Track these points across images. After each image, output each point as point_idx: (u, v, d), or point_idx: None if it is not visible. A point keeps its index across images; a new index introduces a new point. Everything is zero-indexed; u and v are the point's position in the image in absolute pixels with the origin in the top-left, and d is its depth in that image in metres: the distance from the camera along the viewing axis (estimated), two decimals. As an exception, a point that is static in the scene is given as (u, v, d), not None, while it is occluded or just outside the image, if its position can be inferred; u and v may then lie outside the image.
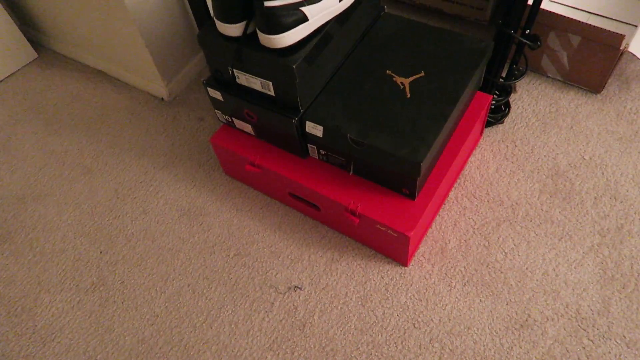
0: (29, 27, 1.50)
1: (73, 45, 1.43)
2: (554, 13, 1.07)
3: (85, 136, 1.29)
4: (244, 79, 0.90)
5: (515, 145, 1.11)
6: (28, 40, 1.46)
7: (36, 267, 1.07)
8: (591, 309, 0.89)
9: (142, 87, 1.36)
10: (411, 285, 0.95)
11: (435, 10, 1.34)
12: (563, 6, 1.33)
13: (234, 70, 0.89)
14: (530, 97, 1.19)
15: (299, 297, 0.96)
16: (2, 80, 1.45)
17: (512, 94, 1.14)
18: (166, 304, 0.98)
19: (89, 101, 1.37)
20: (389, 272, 0.97)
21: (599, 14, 1.30)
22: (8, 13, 1.39)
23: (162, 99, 1.33)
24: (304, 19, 0.79)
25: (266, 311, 0.95)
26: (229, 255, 1.03)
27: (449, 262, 0.96)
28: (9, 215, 1.16)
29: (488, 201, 1.04)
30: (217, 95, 0.96)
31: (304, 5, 0.78)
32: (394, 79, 0.91)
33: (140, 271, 1.03)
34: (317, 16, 0.81)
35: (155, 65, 1.23)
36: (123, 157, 1.23)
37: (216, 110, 1.02)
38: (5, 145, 1.30)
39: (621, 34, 1.01)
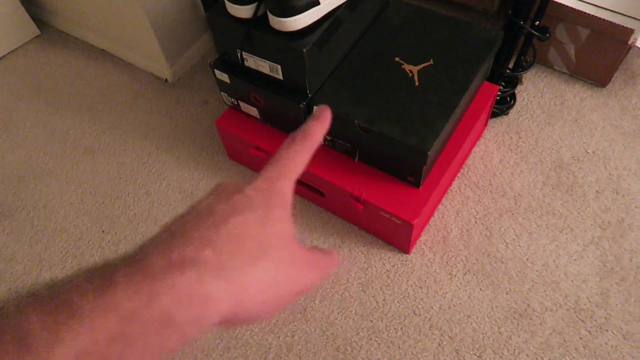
0: (32, 3, 1.48)
1: (76, 23, 1.41)
2: (564, 5, 1.07)
3: (87, 116, 1.28)
4: (252, 61, 0.89)
5: (520, 137, 1.11)
6: (30, 17, 1.44)
7: (37, 245, 1.07)
8: (590, 301, 0.90)
9: (145, 68, 1.35)
10: (412, 272, 0.95)
11: (441, 0, 1.33)
12: (571, -1, 1.32)
13: (243, 52, 0.88)
14: (536, 89, 1.19)
15: (301, 282, 0.96)
16: (3, 57, 1.44)
17: (518, 86, 1.14)
18: (168, 285, 0.98)
19: (91, 80, 1.36)
20: (390, 259, 0.97)
21: (607, 7, 1.30)
22: (10, -12, 1.37)
23: (166, 80, 1.32)
24: (316, 2, 0.79)
25: (268, 295, 0.95)
26: (231, 239, 1.03)
27: (451, 250, 0.97)
28: (10, 193, 1.16)
29: (491, 191, 1.04)
30: (224, 77, 0.96)
31: (316, -11, 0.78)
32: (402, 66, 0.91)
33: (143, 252, 1.03)
34: (328, 0, 0.81)
35: (159, 45, 1.22)
36: (126, 138, 1.22)
37: (222, 93, 1.01)
38: (6, 123, 1.29)
39: (631, 28, 1.01)
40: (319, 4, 0.79)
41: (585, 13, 1.06)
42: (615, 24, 1.03)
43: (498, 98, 1.12)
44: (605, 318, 0.88)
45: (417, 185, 0.89)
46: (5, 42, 1.42)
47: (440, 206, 1.03)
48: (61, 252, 1.05)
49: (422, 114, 0.84)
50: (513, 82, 1.11)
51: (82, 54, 1.43)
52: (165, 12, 1.19)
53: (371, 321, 0.91)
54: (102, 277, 0.20)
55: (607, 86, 1.17)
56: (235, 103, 1.02)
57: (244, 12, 0.82)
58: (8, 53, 1.44)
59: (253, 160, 1.07)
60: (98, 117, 1.28)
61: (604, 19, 1.04)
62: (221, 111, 1.08)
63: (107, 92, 1.33)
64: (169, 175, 1.15)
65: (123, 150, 1.20)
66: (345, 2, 0.85)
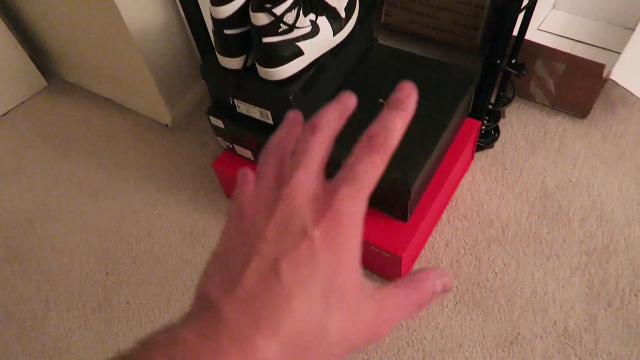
0: (39, 56, 1.57)
1: (81, 73, 1.49)
2: (539, 44, 1.12)
3: (92, 160, 1.34)
4: (244, 108, 0.95)
5: (505, 168, 1.16)
6: (38, 69, 1.53)
7: (44, 286, 1.11)
8: (578, 326, 0.92)
9: (147, 114, 1.42)
10: (405, 303, 0.98)
11: (428, 39, 1.40)
12: (550, 34, 1.39)
13: (235, 100, 0.94)
14: (520, 122, 1.24)
15: (297, 316, 0.99)
16: (14, 108, 1.51)
17: (501, 119, 1.19)
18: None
19: (96, 127, 1.43)
20: (383, 291, 1.00)
21: (585, 41, 1.36)
22: (19, 43, 1.46)
23: (167, 125, 1.38)
24: (300, 52, 0.85)
25: (265, 329, 0.98)
26: (229, 276, 1.07)
27: (441, 281, 1.00)
28: (19, 236, 1.21)
29: (479, 222, 1.08)
30: (218, 123, 1.01)
31: (300, 41, 0.84)
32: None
33: (145, 291, 1.07)
34: (312, 50, 0.87)
35: (159, 92, 1.29)
36: (129, 180, 1.28)
37: (218, 137, 1.07)
38: (16, 170, 1.35)
39: (602, 64, 1.06)
40: (303, 53, 0.86)
41: (559, 50, 1.11)
42: (587, 59, 1.08)
43: (483, 132, 1.17)
44: (594, 343, 0.90)
45: (405, 219, 0.93)
46: (16, 95, 1.50)
47: (430, 238, 1.07)
48: (67, 293, 1.10)
49: (405, 151, 0.89)
50: (496, 116, 1.16)
51: (88, 102, 1.50)
52: (163, 60, 1.26)
53: (366, 354, 0.93)
54: None
55: (588, 116, 1.22)
56: (231, 146, 1.07)
57: (234, 63, 0.88)
58: (18, 105, 1.52)
59: (249, 199, 1.12)
60: (102, 161, 1.34)
61: (577, 56, 1.10)
62: (218, 153, 1.13)
63: (111, 138, 1.39)
64: (169, 215, 1.19)
65: (126, 192, 1.26)
66: (329, 50, 0.91)
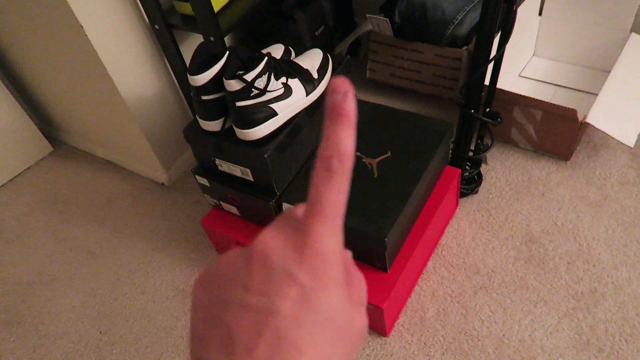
0: (45, 123, 1.66)
1: (84, 138, 1.57)
2: (513, 92, 1.16)
3: (92, 223, 1.39)
4: (225, 167, 0.99)
5: (490, 214, 1.16)
6: (44, 135, 1.61)
7: (40, 349, 1.13)
8: (568, 375, 0.90)
9: (144, 174, 1.47)
10: (391, 355, 0.98)
11: (412, 92, 1.45)
12: (532, 80, 1.43)
13: (216, 160, 0.98)
14: (504, 167, 1.25)
15: (284, 372, 0.99)
16: (21, 173, 1.59)
17: (484, 165, 1.21)
18: (159, 383, 1.02)
19: (97, 189, 1.49)
20: (370, 343, 1.00)
21: (566, 85, 1.40)
22: (26, 112, 1.55)
23: (163, 184, 1.43)
24: (274, 114, 0.90)
25: (253, 386, 0.98)
26: (219, 332, 1.08)
27: (428, 331, 1.00)
28: (19, 300, 1.24)
29: (465, 270, 1.08)
30: (204, 181, 1.05)
31: (273, 102, 0.89)
32: (363, 160, 1.00)
33: (136, 350, 1.08)
34: (285, 110, 0.91)
35: (155, 154, 1.35)
36: (125, 240, 1.32)
37: (205, 195, 1.11)
38: (20, 235, 1.41)
39: (574, 109, 1.09)
40: (277, 114, 0.90)
41: (533, 98, 1.14)
42: (560, 106, 1.11)
43: (466, 179, 1.19)
44: (586, 392, 0.88)
45: (385, 269, 0.94)
46: (22, 160, 1.58)
47: (416, 287, 1.07)
48: (62, 355, 1.11)
49: (380, 204, 0.91)
50: (477, 163, 1.18)
51: (90, 166, 1.57)
52: (158, 124, 1.32)
53: (353, 408, 0.92)
54: None
55: (571, 159, 1.23)
56: (218, 203, 1.11)
57: (213, 126, 0.93)
58: (24, 170, 1.59)
59: (237, 254, 1.14)
60: (101, 223, 1.38)
61: (550, 103, 1.12)
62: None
63: (112, 199, 1.44)
64: (163, 273, 1.22)
65: (122, 252, 1.29)
66: (303, 109, 0.96)
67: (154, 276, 1.22)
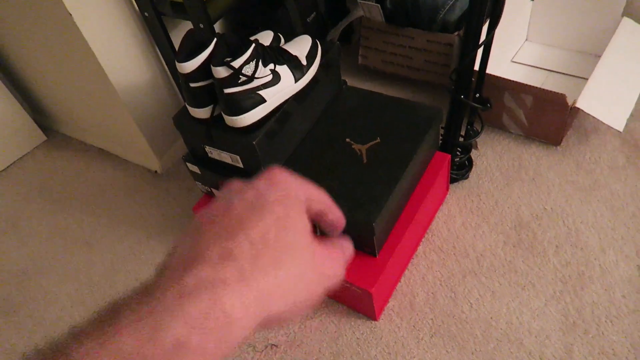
0: (38, 113, 1.66)
1: (77, 127, 1.57)
2: (503, 78, 1.16)
3: (86, 211, 1.40)
4: (215, 154, 1.00)
5: (480, 199, 1.17)
6: (38, 125, 1.61)
7: (35, 336, 1.15)
8: (554, 356, 0.91)
9: (138, 162, 1.48)
10: (381, 339, 0.99)
11: (404, 78, 1.45)
12: (524, 66, 1.43)
13: (206, 147, 0.99)
14: (495, 153, 1.26)
15: (275, 355, 1.01)
16: (14, 162, 1.59)
17: (474, 151, 1.22)
18: (153, 367, 1.04)
19: (91, 178, 1.49)
20: (360, 327, 1.01)
21: (558, 70, 1.40)
22: (20, 102, 1.55)
23: (156, 171, 1.44)
24: (262, 100, 0.90)
25: (245, 370, 1.00)
26: (212, 318, 1.09)
27: (417, 315, 1.01)
28: (14, 289, 1.25)
29: (454, 254, 1.09)
30: (195, 169, 1.06)
31: (261, 89, 0.89)
32: (352, 146, 1.00)
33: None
34: (274, 97, 0.92)
35: (147, 142, 1.35)
36: (119, 229, 1.33)
37: (196, 182, 1.11)
38: (14, 224, 1.42)
39: (563, 94, 1.09)
40: (265, 101, 0.90)
41: (523, 84, 1.15)
42: (549, 91, 1.11)
43: (457, 164, 1.20)
44: (571, 373, 0.89)
45: (374, 254, 0.95)
46: (16, 150, 1.58)
47: (406, 271, 1.08)
48: (57, 341, 1.13)
49: (369, 189, 0.92)
50: (467, 148, 1.18)
51: (84, 155, 1.57)
52: (150, 112, 1.32)
53: (343, 390, 0.94)
54: (108, 321, 0.21)
55: (562, 144, 1.23)
56: (209, 190, 1.11)
57: (203, 113, 0.93)
58: (18, 159, 1.60)
59: (230, 241, 1.15)
60: (95, 211, 1.39)
61: (540, 88, 1.13)
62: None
63: (105, 188, 1.45)
64: (156, 261, 1.23)
65: (117, 241, 1.30)
66: (293, 96, 0.96)
67: (147, 264, 1.23)
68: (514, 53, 1.47)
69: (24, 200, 1.48)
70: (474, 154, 1.23)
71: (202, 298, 0.22)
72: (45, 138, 1.64)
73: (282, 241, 0.25)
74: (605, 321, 0.94)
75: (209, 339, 0.21)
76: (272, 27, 1.08)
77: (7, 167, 1.58)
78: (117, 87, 1.21)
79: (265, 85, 0.89)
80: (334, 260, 0.29)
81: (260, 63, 0.87)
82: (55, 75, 1.36)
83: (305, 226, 0.27)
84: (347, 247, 0.32)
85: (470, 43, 1.00)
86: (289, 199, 0.27)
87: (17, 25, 1.25)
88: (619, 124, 1.11)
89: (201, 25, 1.07)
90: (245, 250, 0.24)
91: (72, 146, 1.62)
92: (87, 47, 1.11)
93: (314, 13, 1.45)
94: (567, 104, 1.12)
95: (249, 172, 0.98)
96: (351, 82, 1.50)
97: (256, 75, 0.87)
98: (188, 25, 1.26)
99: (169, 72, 1.32)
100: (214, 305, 0.22)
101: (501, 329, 0.96)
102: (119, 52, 1.18)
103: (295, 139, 1.02)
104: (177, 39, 1.23)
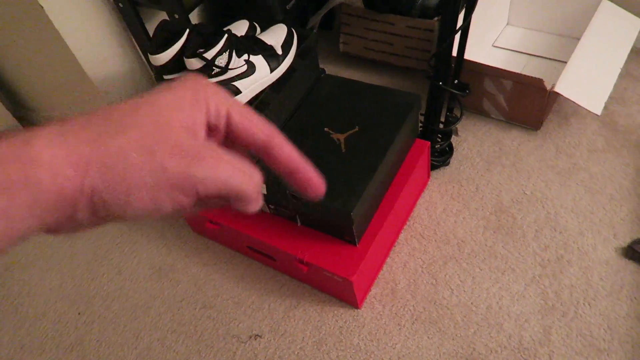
0: (17, 106, 1.64)
1: (56, 119, 1.55)
2: (481, 64, 1.16)
3: (68, 204, 1.39)
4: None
5: (461, 185, 1.18)
6: (16, 118, 1.59)
7: (20, 331, 1.14)
8: (533, 339, 0.93)
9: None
10: (363, 326, 1.00)
11: (386, 64, 1.44)
12: (505, 50, 1.43)
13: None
14: (475, 138, 1.26)
15: (259, 345, 1.01)
16: None
17: (455, 137, 1.22)
18: (137, 359, 1.04)
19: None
20: (342, 316, 1.02)
21: (539, 55, 1.40)
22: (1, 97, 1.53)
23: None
24: (237, 92, 0.89)
25: (228, 360, 1.00)
26: (195, 309, 1.10)
27: (399, 302, 1.02)
28: (-3, 284, 1.25)
29: (435, 240, 1.09)
30: (174, 161, 1.05)
31: (236, 80, 0.88)
32: (331, 135, 1.00)
33: (114, 329, 1.10)
34: (249, 88, 0.91)
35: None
36: (101, 221, 1.32)
37: (176, 175, 1.11)
38: (-5, 218, 1.40)
39: (541, 79, 1.09)
40: (240, 92, 0.90)
41: (502, 69, 1.14)
42: (527, 75, 1.11)
43: (438, 150, 1.20)
44: (549, 355, 0.91)
45: (354, 243, 0.96)
46: None
47: (388, 259, 1.09)
48: (41, 336, 1.13)
49: (347, 178, 0.92)
50: (447, 135, 1.19)
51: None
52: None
53: (326, 378, 0.95)
54: None
55: (542, 128, 1.24)
56: (190, 182, 1.11)
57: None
58: None
59: (211, 232, 1.15)
60: (77, 204, 1.38)
61: (518, 73, 1.13)
62: (181, 190, 1.17)
63: (86, 181, 1.44)
64: (140, 252, 1.23)
65: (100, 233, 1.29)
66: (269, 86, 0.95)
67: (130, 256, 1.22)
68: (495, 37, 1.46)
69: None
70: (454, 140, 1.23)
71: (13, 140, 0.21)
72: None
73: (131, 118, 0.23)
74: (583, 304, 0.95)
75: (9, 177, 0.20)
76: (251, 16, 1.07)
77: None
78: (95, 80, 1.19)
79: (240, 76, 0.88)
80: (207, 163, 0.24)
81: (234, 53, 0.86)
82: (31, 68, 1.34)
83: (173, 118, 0.24)
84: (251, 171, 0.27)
85: (447, 28, 1.00)
86: (178, 90, 0.25)
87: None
88: (597, 108, 1.11)
89: (176, 16, 1.06)
90: (92, 117, 0.23)
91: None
92: (60, 39, 1.09)
93: (294, 0, 1.44)
94: (545, 88, 1.12)
95: (227, 163, 0.97)
96: (333, 69, 1.49)
97: (230, 66, 0.86)
98: (165, 16, 1.25)
99: (147, 64, 1.30)
100: (23, 146, 0.21)
101: (481, 313, 0.97)
102: (93, 44, 1.16)
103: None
104: (153, 29, 1.21)
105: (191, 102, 0.25)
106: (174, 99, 0.25)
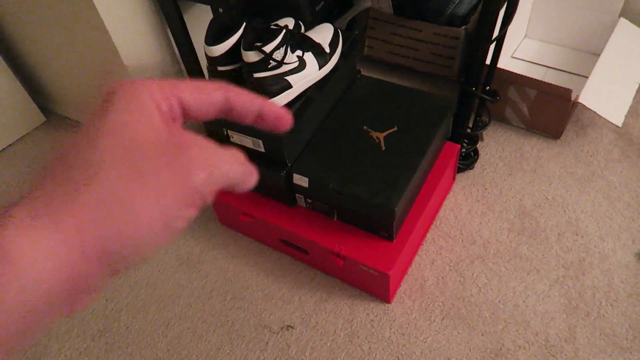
0: (38, 93, 1.63)
1: (78, 108, 1.55)
2: (510, 71, 1.20)
3: (90, 193, 1.39)
4: (237, 138, 1.01)
5: (485, 189, 1.22)
6: (37, 105, 1.58)
7: (45, 317, 1.14)
8: (559, 337, 0.97)
9: (142, 146, 1.47)
10: (394, 320, 1.03)
11: (408, 69, 1.48)
12: (524, 62, 1.48)
13: (228, 130, 1.00)
14: (497, 144, 1.31)
15: (292, 336, 1.03)
16: (13, 143, 1.56)
17: (480, 142, 1.26)
18: (168, 348, 1.05)
19: (93, 160, 1.48)
20: (373, 310, 1.05)
21: (556, 67, 1.45)
22: (19, 82, 1.52)
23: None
24: (288, 86, 0.92)
25: (261, 350, 1.02)
26: (225, 300, 1.11)
27: (428, 298, 1.05)
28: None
29: (462, 240, 1.13)
30: (212, 153, 1.07)
31: (288, 75, 0.91)
32: (370, 134, 1.03)
33: (143, 317, 1.11)
34: (299, 83, 0.93)
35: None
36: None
37: (212, 166, 1.12)
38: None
39: (569, 89, 1.14)
40: (291, 87, 0.92)
41: (530, 77, 1.19)
42: (555, 85, 1.16)
43: (463, 154, 1.24)
44: (574, 352, 0.95)
45: (391, 239, 0.99)
46: (15, 130, 1.55)
47: (416, 257, 1.12)
48: (67, 322, 1.13)
49: (388, 176, 0.95)
50: (474, 139, 1.23)
51: (84, 137, 1.56)
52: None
53: (358, 369, 0.97)
54: None
55: (561, 137, 1.29)
56: (224, 174, 1.12)
57: (227, 97, 0.94)
58: (17, 140, 1.57)
59: (243, 225, 1.17)
60: (100, 193, 1.38)
61: (546, 82, 1.18)
62: (212, 182, 1.18)
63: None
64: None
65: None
66: (314, 83, 0.98)
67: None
68: (513, 49, 1.52)
69: (22, 182, 1.45)
70: (478, 145, 1.27)
71: None
72: (44, 119, 1.62)
73: (87, 157, 0.21)
74: (606, 304, 1.00)
75: None
76: (279, 14, 1.09)
77: (6, 147, 1.55)
78: (128, 67, 1.20)
79: (292, 71, 0.91)
80: (188, 158, 0.23)
81: (288, 49, 0.89)
82: (59, 53, 1.34)
83: (129, 121, 0.22)
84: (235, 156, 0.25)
85: (483, 37, 1.04)
86: (121, 104, 0.23)
87: (23, 3, 1.23)
88: (618, 120, 1.17)
89: (220, 10, 1.07)
90: (46, 178, 0.20)
91: (72, 127, 1.60)
92: (102, 25, 1.10)
93: (323, 2, 1.47)
94: (570, 98, 1.17)
95: (269, 157, 1.00)
96: (356, 71, 1.53)
97: (285, 61, 0.88)
98: (202, 9, 1.27)
99: (179, 57, 1.32)
100: None
101: (509, 311, 1.01)
102: (132, 33, 1.18)
103: (314, 125, 1.04)
104: (191, 23, 1.23)
105: (143, 112, 0.23)
106: (126, 113, 0.23)
